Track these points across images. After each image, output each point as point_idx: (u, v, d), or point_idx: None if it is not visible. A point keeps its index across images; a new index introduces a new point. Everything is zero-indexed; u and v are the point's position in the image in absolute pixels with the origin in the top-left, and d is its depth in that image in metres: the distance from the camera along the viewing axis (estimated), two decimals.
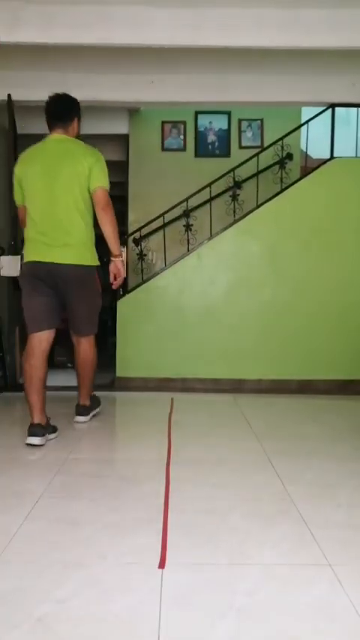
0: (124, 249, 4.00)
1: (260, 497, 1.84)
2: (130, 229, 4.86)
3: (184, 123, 4.89)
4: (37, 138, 6.07)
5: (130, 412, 3.40)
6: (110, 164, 6.64)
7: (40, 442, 2.34)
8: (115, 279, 2.56)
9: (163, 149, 4.91)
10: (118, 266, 2.53)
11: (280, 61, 3.68)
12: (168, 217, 4.33)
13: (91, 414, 2.83)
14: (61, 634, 1.09)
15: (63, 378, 4.53)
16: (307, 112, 4.43)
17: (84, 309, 2.54)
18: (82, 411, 2.77)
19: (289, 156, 4.47)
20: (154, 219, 4.31)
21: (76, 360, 2.70)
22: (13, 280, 3.98)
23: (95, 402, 2.91)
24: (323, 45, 3.17)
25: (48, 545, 1.47)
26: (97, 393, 3.77)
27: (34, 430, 2.35)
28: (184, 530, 1.57)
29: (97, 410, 2.93)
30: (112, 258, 2.52)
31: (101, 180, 2.46)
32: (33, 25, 3.07)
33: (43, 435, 2.37)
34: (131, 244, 4.74)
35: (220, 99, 4.02)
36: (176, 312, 3.94)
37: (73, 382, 4.21)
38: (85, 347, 2.65)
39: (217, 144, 4.87)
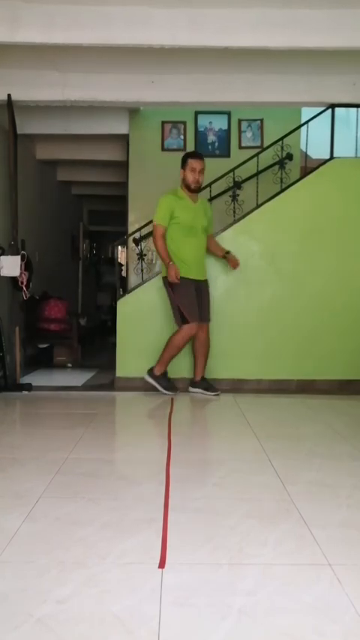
0: (124, 249, 4.15)
1: (260, 497, 1.84)
2: (130, 229, 4.86)
3: (184, 123, 4.89)
4: (37, 138, 6.03)
5: (130, 412, 3.40)
6: (110, 164, 6.64)
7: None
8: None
9: (163, 149, 4.90)
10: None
11: (280, 61, 3.68)
12: None
13: (152, 381, 3.61)
14: (60, 634, 1.09)
15: (63, 379, 4.53)
16: (306, 113, 4.43)
17: (170, 306, 3.63)
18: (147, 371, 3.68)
19: (289, 156, 4.46)
20: None
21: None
22: (12, 280, 3.98)
23: (162, 380, 3.61)
24: (323, 45, 3.17)
25: (48, 545, 1.47)
26: (97, 393, 3.78)
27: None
28: (184, 530, 1.57)
29: (160, 389, 3.58)
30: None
31: (155, 216, 3.53)
32: (33, 25, 3.07)
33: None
34: (131, 244, 4.73)
35: (220, 99, 4.01)
36: None
37: (73, 382, 4.23)
38: (177, 332, 3.58)
39: (217, 144, 4.87)
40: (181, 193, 3.55)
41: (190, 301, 3.51)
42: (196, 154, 3.62)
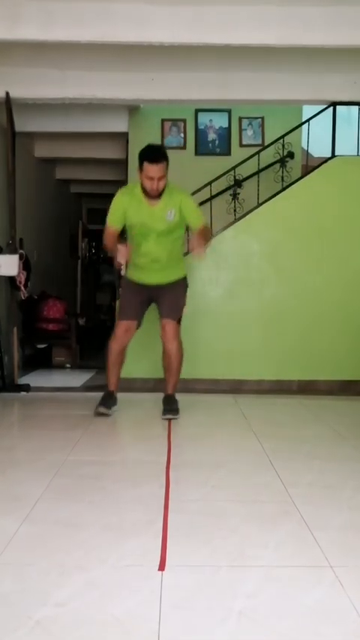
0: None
1: (261, 498, 1.83)
2: None
3: (185, 121, 4.87)
4: (36, 136, 6.01)
5: (129, 413, 3.38)
6: (110, 162, 6.62)
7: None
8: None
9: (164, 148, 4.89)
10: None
11: (281, 58, 3.66)
12: None
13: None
14: (60, 637, 1.08)
15: (62, 379, 4.52)
16: (308, 111, 4.42)
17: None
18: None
19: (290, 154, 4.45)
20: None
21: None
22: (10, 279, 3.96)
23: (103, 396, 3.10)
24: (324, 43, 3.15)
25: (47, 548, 1.46)
26: (96, 394, 3.76)
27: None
28: (184, 532, 1.56)
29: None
30: None
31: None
32: (32, 22, 3.05)
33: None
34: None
35: (221, 97, 3.99)
36: None
37: (71, 383, 4.22)
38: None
39: (217, 142, 4.85)
40: (139, 194, 2.89)
41: (124, 299, 3.12)
42: (153, 156, 2.81)
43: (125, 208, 2.91)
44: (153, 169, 2.77)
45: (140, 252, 2.97)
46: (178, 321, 3.09)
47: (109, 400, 3.05)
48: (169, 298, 3.08)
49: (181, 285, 3.13)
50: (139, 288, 3.06)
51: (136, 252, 2.97)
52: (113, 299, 4.11)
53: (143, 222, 2.91)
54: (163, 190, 2.86)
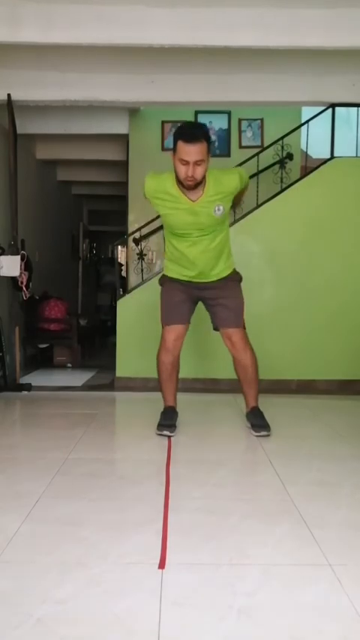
0: (124, 249, 4.06)
1: (260, 497, 1.84)
2: (130, 229, 4.86)
3: None
4: (37, 138, 6.04)
5: (130, 412, 3.40)
6: (110, 164, 6.65)
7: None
8: None
9: (163, 149, 4.90)
10: None
11: (280, 60, 3.68)
12: None
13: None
14: (60, 634, 1.09)
15: (63, 379, 4.54)
16: (307, 112, 4.44)
17: None
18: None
19: (290, 156, 4.47)
20: (154, 219, 4.31)
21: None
22: (12, 280, 3.98)
23: (161, 415, 2.69)
24: (323, 45, 3.17)
25: (48, 546, 1.47)
26: (97, 393, 3.78)
27: None
28: (184, 530, 1.57)
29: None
30: None
31: None
32: (33, 25, 3.07)
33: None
34: (131, 244, 4.74)
35: (221, 98, 4.01)
36: None
37: (72, 382, 4.23)
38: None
39: (217, 143, 4.87)
40: (174, 188, 2.35)
41: (167, 301, 2.62)
42: (189, 133, 2.24)
43: (156, 202, 2.41)
44: (188, 150, 2.19)
45: (184, 254, 2.50)
46: (244, 326, 2.62)
47: (172, 416, 2.64)
48: (227, 301, 2.60)
49: (235, 281, 2.65)
50: (182, 287, 2.58)
51: (179, 253, 2.52)
52: (114, 299, 4.13)
53: (182, 223, 2.40)
54: (201, 180, 2.28)
